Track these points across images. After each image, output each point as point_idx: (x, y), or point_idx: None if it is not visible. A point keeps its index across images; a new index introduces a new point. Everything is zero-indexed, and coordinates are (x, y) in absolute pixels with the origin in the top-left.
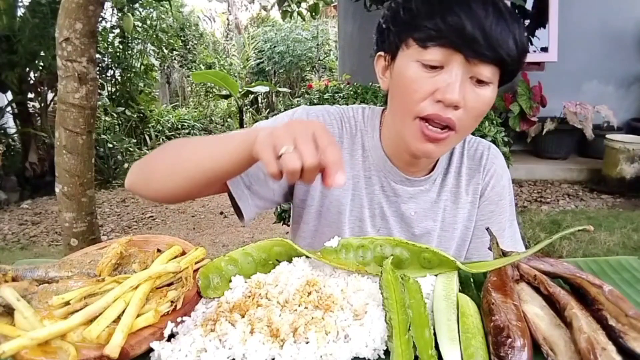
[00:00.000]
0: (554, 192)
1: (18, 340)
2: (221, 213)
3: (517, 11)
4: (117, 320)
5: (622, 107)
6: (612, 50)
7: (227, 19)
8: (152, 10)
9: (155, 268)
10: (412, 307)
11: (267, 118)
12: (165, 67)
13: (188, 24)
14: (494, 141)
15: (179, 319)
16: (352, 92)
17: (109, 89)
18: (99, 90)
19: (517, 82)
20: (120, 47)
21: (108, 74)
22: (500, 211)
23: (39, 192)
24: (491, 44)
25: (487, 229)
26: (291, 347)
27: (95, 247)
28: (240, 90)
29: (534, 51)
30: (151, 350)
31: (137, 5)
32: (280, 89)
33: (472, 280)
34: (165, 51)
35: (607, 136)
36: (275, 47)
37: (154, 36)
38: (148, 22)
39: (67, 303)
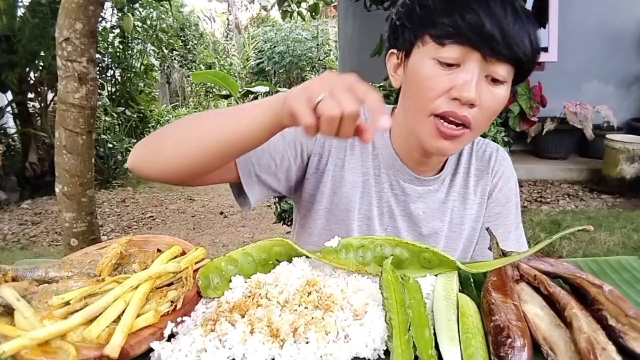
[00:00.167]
0: (554, 192)
1: (18, 340)
2: (221, 213)
3: None
4: (117, 320)
5: (622, 107)
6: (612, 50)
7: (227, 19)
8: (152, 10)
9: (155, 268)
10: (412, 307)
11: None
12: (165, 67)
13: (188, 24)
14: (494, 141)
15: (179, 319)
16: None
17: (109, 89)
18: (99, 90)
19: None
20: (120, 47)
21: (108, 74)
22: (506, 213)
23: (39, 192)
24: (508, 43)
25: (487, 229)
26: (291, 347)
27: (95, 247)
28: (240, 90)
29: None
30: (151, 350)
31: (137, 5)
32: (280, 89)
33: (472, 280)
34: (165, 51)
35: (607, 136)
36: (275, 47)
37: (154, 36)
38: (148, 22)
39: (67, 303)
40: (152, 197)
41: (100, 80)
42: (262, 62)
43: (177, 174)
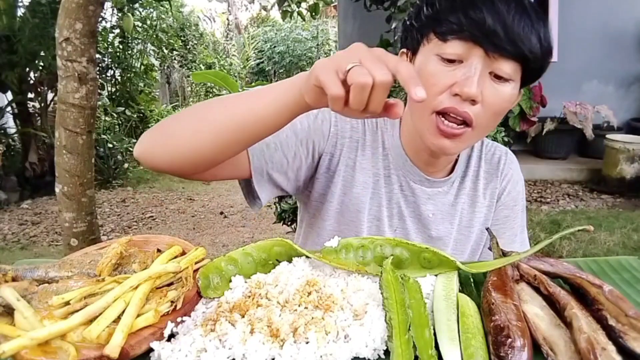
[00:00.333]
0: (554, 192)
1: (18, 340)
2: (221, 213)
3: None
4: (117, 320)
5: (622, 107)
6: (612, 50)
7: (227, 19)
8: (152, 10)
9: (155, 268)
10: (412, 307)
11: None
12: (165, 67)
13: (188, 24)
14: (494, 140)
15: (179, 319)
16: None
17: (109, 89)
18: (99, 90)
19: None
20: (120, 47)
21: (108, 74)
22: (514, 216)
23: (39, 192)
24: (512, 39)
25: (487, 229)
26: (291, 347)
27: (95, 247)
28: (240, 90)
29: None
30: (151, 350)
31: (137, 5)
32: None
33: (472, 280)
34: (165, 51)
35: (607, 136)
36: (275, 47)
37: (154, 36)
38: (148, 22)
39: (67, 303)
40: (152, 197)
41: (100, 80)
42: (262, 62)
43: (189, 162)
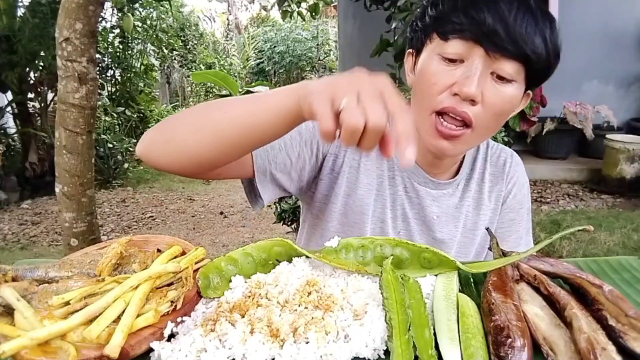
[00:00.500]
0: (554, 192)
1: (18, 340)
2: (221, 213)
3: None
4: (117, 320)
5: (622, 107)
6: (612, 50)
7: (227, 19)
8: (152, 10)
9: (155, 268)
10: (412, 307)
11: None
12: (165, 67)
13: (188, 24)
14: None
15: (179, 319)
16: None
17: (109, 89)
18: (99, 90)
19: None
20: (120, 47)
21: (108, 74)
22: (519, 220)
23: (39, 192)
24: (513, 39)
25: (487, 229)
26: (291, 347)
27: (95, 247)
28: (240, 90)
29: None
30: (151, 350)
31: (137, 5)
32: None
33: (472, 280)
34: (165, 51)
35: (607, 136)
36: (275, 47)
37: (154, 36)
38: (148, 22)
39: (67, 303)
40: (152, 197)
41: (100, 80)
42: (262, 62)
43: (191, 163)
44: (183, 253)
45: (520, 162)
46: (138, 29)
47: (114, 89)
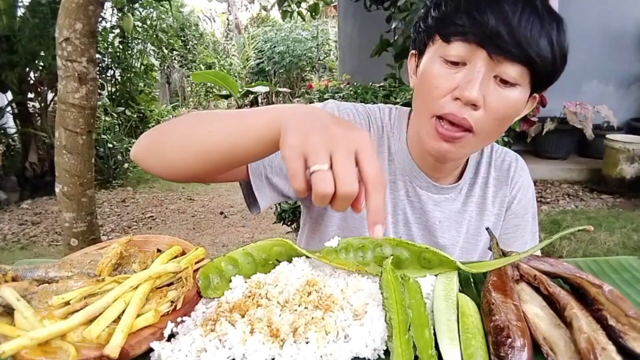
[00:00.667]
0: (554, 192)
1: (18, 340)
2: (221, 213)
3: None
4: (117, 320)
5: (622, 107)
6: (612, 50)
7: (227, 19)
8: (152, 10)
9: (155, 268)
10: (412, 307)
11: None
12: (165, 67)
13: (188, 24)
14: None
15: (179, 319)
16: (352, 92)
17: (109, 89)
18: (99, 90)
19: None
20: (120, 47)
21: (108, 74)
22: (524, 225)
23: (39, 192)
24: (517, 41)
25: (487, 228)
26: (291, 347)
27: (95, 247)
28: (240, 90)
29: None
30: (151, 350)
31: (137, 5)
32: (280, 89)
33: (472, 280)
34: (165, 51)
35: (607, 136)
36: (275, 47)
37: (154, 36)
38: (148, 22)
39: (67, 303)
40: (152, 197)
41: (100, 80)
42: (262, 62)
43: (179, 175)
44: (183, 253)
45: (525, 166)
46: (138, 29)
47: (114, 89)
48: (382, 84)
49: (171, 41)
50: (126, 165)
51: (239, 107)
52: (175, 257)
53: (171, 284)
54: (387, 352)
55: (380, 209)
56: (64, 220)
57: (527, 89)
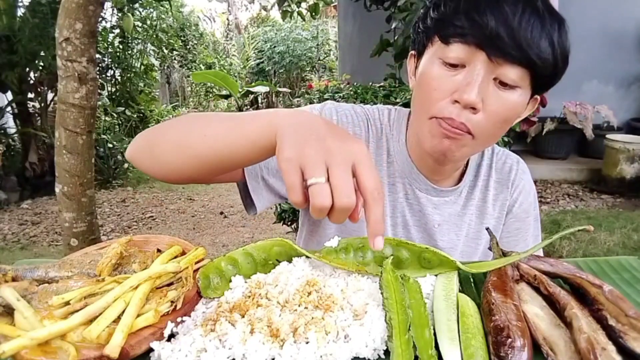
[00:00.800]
0: (554, 192)
1: (18, 340)
2: (221, 213)
3: None
4: (117, 320)
5: (622, 107)
6: (612, 50)
7: (227, 19)
8: (152, 10)
9: (155, 268)
10: (412, 307)
11: None
12: (165, 67)
13: (188, 24)
14: None
15: (179, 319)
16: (352, 92)
17: (109, 89)
18: (99, 90)
19: None
20: (120, 47)
21: (108, 74)
22: (526, 228)
23: (39, 192)
24: (518, 43)
25: (487, 228)
26: (291, 347)
27: (95, 247)
28: (240, 90)
29: None
30: (151, 350)
31: (137, 5)
32: (280, 89)
33: (472, 280)
34: (165, 51)
35: (607, 136)
36: (275, 47)
37: (154, 36)
38: (148, 22)
39: (67, 303)
40: (152, 197)
41: (100, 80)
42: (262, 62)
43: (174, 177)
44: (183, 253)
45: (526, 169)
46: (138, 29)
47: (114, 89)
48: (382, 84)
49: (171, 41)
50: (126, 165)
51: (239, 107)
52: (175, 257)
53: (171, 284)
54: (387, 352)
55: (380, 220)
56: (64, 220)
57: (528, 91)
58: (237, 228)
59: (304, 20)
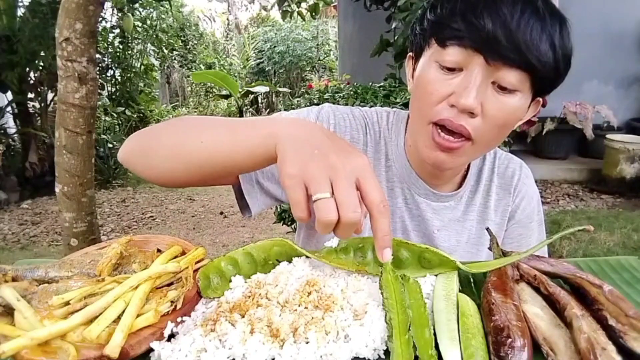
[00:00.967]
0: (554, 192)
1: (18, 340)
2: (221, 213)
3: None
4: (117, 320)
5: (622, 107)
6: (612, 50)
7: (227, 19)
8: (152, 10)
9: (155, 268)
10: (412, 307)
11: None
12: (165, 67)
13: (188, 24)
14: None
15: (179, 319)
16: (352, 92)
17: (109, 89)
18: (99, 90)
19: None
20: (120, 47)
21: (108, 74)
22: (529, 234)
23: (39, 192)
24: (516, 46)
25: (487, 229)
26: (291, 347)
27: (95, 247)
28: (240, 90)
29: None
30: (151, 350)
31: (137, 5)
32: (280, 89)
33: (472, 280)
34: (165, 51)
35: (607, 136)
36: (275, 47)
37: (154, 36)
38: (148, 22)
39: (67, 303)
40: (152, 197)
41: (100, 80)
42: (262, 62)
43: (167, 182)
44: (183, 253)
45: (529, 174)
46: (138, 29)
47: (114, 89)
48: (382, 84)
49: (171, 41)
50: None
51: (239, 107)
52: (175, 257)
53: (171, 284)
54: (387, 352)
55: (387, 233)
56: (64, 220)
57: (529, 95)
58: (237, 228)
59: (304, 20)
